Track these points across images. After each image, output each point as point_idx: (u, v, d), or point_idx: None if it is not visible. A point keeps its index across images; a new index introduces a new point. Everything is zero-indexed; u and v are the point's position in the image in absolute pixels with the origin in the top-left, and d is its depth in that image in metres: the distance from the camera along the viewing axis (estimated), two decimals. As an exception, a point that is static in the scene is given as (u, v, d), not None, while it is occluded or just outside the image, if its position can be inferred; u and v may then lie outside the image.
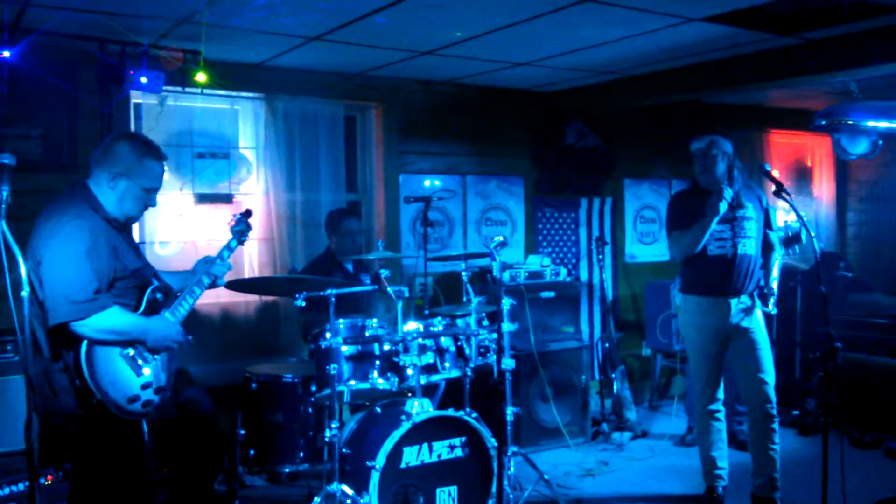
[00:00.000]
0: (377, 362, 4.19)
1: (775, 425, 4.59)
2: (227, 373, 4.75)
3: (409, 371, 4.19)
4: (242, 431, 4.40)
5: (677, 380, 7.32)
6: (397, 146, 6.36)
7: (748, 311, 4.59)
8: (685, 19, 4.57)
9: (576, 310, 6.35)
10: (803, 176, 8.95)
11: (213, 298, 5.28)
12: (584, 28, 4.77)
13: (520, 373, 5.62)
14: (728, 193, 4.46)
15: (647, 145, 7.61)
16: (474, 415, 4.30)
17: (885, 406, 5.86)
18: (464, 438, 4.18)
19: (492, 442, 4.20)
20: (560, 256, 7.19)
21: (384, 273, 4.40)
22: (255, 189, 5.88)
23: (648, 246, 7.75)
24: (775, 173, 4.25)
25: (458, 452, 4.17)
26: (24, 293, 2.62)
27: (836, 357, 3.87)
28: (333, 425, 4.02)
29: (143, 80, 4.83)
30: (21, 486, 3.74)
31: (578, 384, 6.07)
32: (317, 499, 4.03)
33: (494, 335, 4.50)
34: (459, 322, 4.62)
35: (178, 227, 5.52)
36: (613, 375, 6.43)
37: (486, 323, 4.62)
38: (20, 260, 2.62)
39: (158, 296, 3.40)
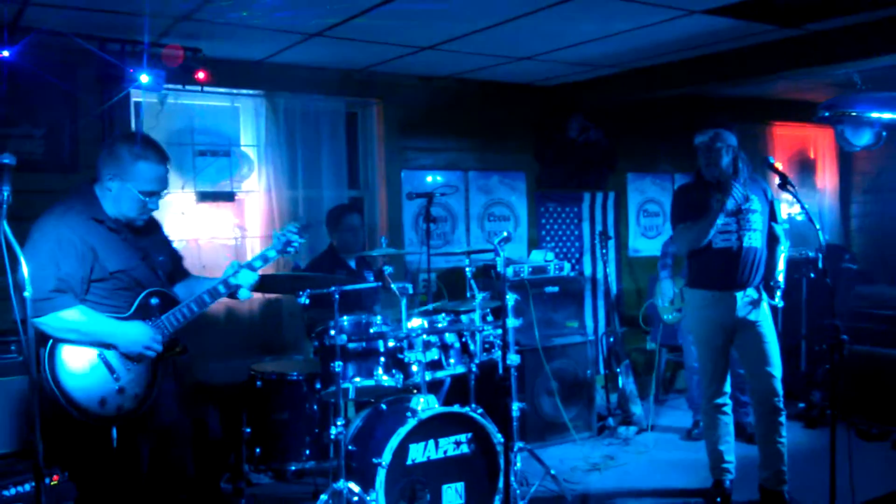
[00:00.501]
0: (382, 359, 4.18)
1: (782, 418, 4.57)
2: (232, 371, 4.75)
3: (414, 368, 4.18)
4: (248, 429, 4.39)
5: (682, 373, 7.29)
6: (399, 142, 6.35)
7: (755, 303, 4.57)
8: (686, 12, 4.55)
9: (580, 304, 6.33)
10: (806, 168, 8.92)
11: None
12: (585, 22, 4.75)
13: (524, 368, 5.60)
14: (738, 192, 4.43)
15: (649, 139, 7.59)
16: (480, 410, 4.29)
17: (891, 398, 5.83)
18: (470, 434, 4.17)
19: (498, 437, 4.19)
20: (563, 251, 7.18)
21: (388, 269, 4.38)
22: (257, 187, 5.86)
23: (652, 240, 7.73)
24: (779, 166, 4.22)
25: (465, 448, 4.15)
26: (27, 293, 2.60)
27: (843, 349, 3.84)
28: (339, 423, 4.01)
29: (144, 78, 4.82)
30: (27, 487, 3.73)
31: (583, 379, 6.05)
32: (323, 496, 4.02)
33: (499, 331, 4.49)
34: (464, 318, 4.60)
35: (179, 225, 5.50)
36: (618, 370, 6.41)
37: (490, 318, 4.62)
38: (21, 260, 2.61)
39: (153, 301, 3.32)
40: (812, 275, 6.41)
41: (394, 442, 3.89)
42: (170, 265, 3.59)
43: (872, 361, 6.04)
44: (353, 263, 5.39)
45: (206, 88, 5.26)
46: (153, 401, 3.30)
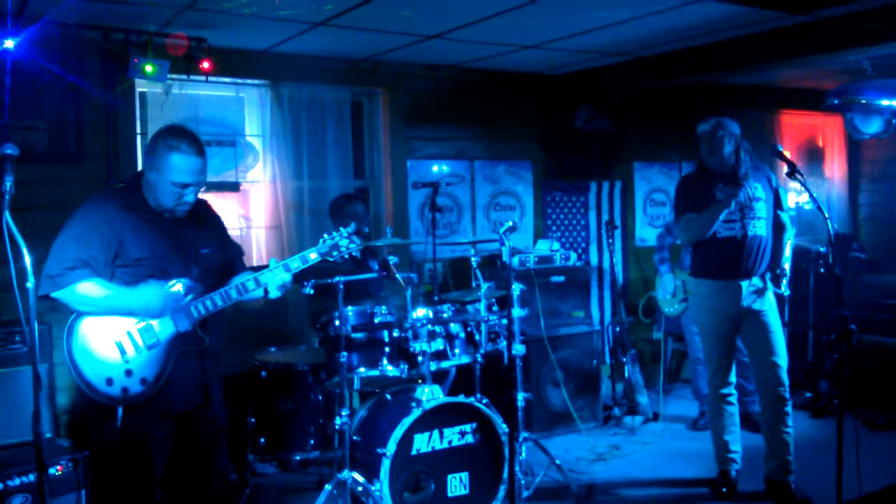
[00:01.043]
0: (387, 349, 4.18)
1: (788, 408, 4.56)
2: (236, 361, 4.73)
3: (419, 358, 4.18)
4: (253, 419, 4.40)
5: (688, 363, 7.27)
6: (405, 132, 6.32)
7: (760, 293, 4.55)
8: (696, -2, 4.51)
9: (586, 294, 6.31)
10: (815, 156, 8.86)
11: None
12: (593, 9, 4.71)
13: (530, 358, 5.60)
14: (743, 194, 4.41)
15: (656, 128, 7.54)
16: (485, 401, 4.29)
17: (899, 388, 5.82)
18: (474, 424, 4.17)
19: (503, 428, 4.19)
20: (570, 241, 7.15)
21: (393, 259, 4.37)
22: (262, 177, 5.85)
23: (658, 229, 7.68)
24: (786, 154, 4.19)
25: (469, 439, 4.16)
26: (30, 284, 2.60)
27: (851, 339, 3.82)
28: (343, 413, 4.01)
29: (148, 68, 4.81)
30: (32, 477, 3.75)
31: (589, 369, 6.04)
32: (328, 486, 4.03)
33: (504, 321, 4.48)
34: (469, 308, 4.59)
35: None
36: (624, 359, 6.39)
37: (496, 308, 4.60)
38: (24, 251, 2.60)
39: (179, 290, 3.34)
40: (821, 264, 6.37)
41: (398, 432, 3.90)
42: (216, 259, 3.56)
43: (880, 351, 6.03)
44: (357, 253, 5.38)
45: (210, 78, 5.23)
46: (162, 388, 3.30)
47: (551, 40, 5.53)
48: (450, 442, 4.10)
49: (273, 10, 4.56)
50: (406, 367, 4.17)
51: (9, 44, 4.45)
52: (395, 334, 4.20)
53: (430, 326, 4.23)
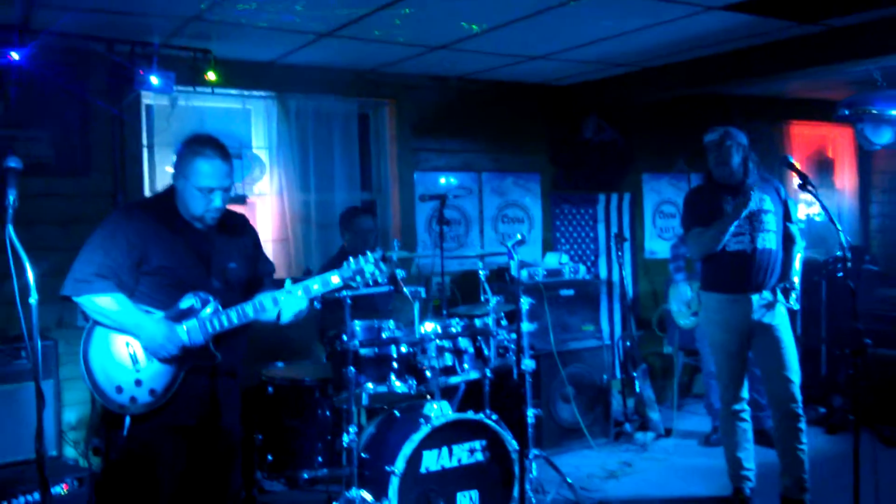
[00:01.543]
0: (395, 365, 4.12)
1: (802, 424, 4.48)
2: (243, 375, 4.67)
3: (428, 373, 4.12)
4: (260, 436, 4.34)
5: (700, 378, 7.20)
6: (412, 143, 6.29)
7: (770, 306, 4.48)
8: (704, 8, 4.47)
9: (595, 308, 6.24)
10: (825, 168, 8.80)
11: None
12: (601, 19, 4.67)
13: (540, 373, 5.53)
14: (755, 199, 4.34)
15: (665, 139, 7.50)
16: (494, 417, 4.23)
17: (914, 402, 5.72)
18: (484, 441, 4.10)
19: (513, 445, 4.12)
20: (578, 254, 7.10)
21: (400, 273, 4.31)
22: (269, 189, 5.82)
23: (668, 241, 7.60)
24: (797, 165, 4.12)
25: (479, 456, 4.08)
26: (32, 300, 2.56)
27: (866, 354, 3.75)
28: (352, 430, 3.96)
29: (154, 80, 4.79)
30: (36, 496, 3.70)
31: (600, 384, 5.97)
32: (336, 504, 3.96)
33: (513, 335, 4.42)
34: (478, 322, 4.53)
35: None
36: (635, 374, 6.32)
37: (504, 323, 4.54)
38: (27, 266, 2.56)
39: (195, 303, 3.29)
40: (838, 275, 6.29)
41: (407, 449, 3.83)
42: (243, 274, 3.51)
43: (894, 365, 5.93)
44: (383, 280, 5.31)
45: (216, 90, 5.22)
46: (170, 400, 3.26)
47: (558, 51, 5.50)
48: (459, 459, 4.03)
49: (279, 21, 4.52)
50: (414, 382, 4.11)
51: (14, 56, 4.44)
52: (404, 349, 4.14)
53: (438, 341, 4.17)
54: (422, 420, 3.98)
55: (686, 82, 6.08)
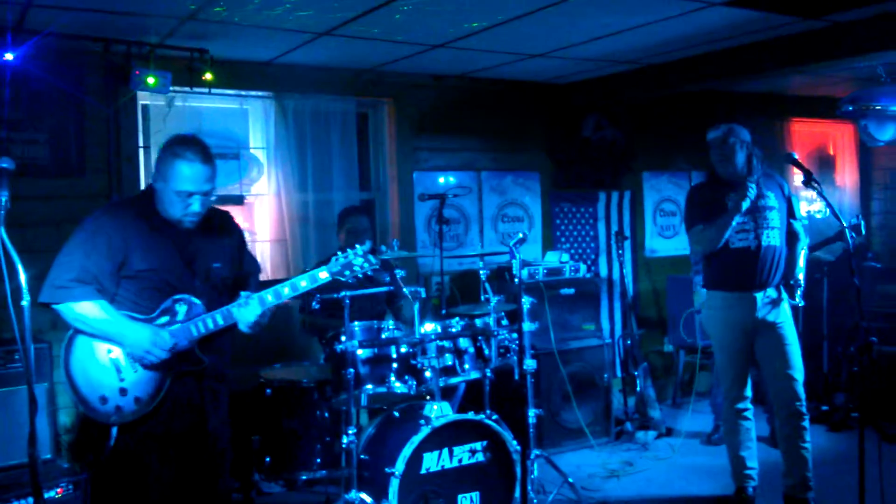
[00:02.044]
0: (394, 365, 4.09)
1: (805, 423, 4.45)
2: (240, 378, 4.64)
3: (428, 374, 4.09)
4: (257, 438, 4.31)
5: (701, 376, 7.16)
6: (411, 143, 6.24)
7: (775, 303, 4.45)
8: (707, 3, 4.42)
9: (596, 306, 6.20)
10: (825, 164, 8.77)
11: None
12: (603, 15, 4.63)
13: (540, 372, 5.48)
14: (752, 192, 4.30)
15: (665, 137, 7.46)
16: (495, 417, 4.20)
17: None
18: (485, 442, 4.07)
19: (514, 445, 4.08)
20: (579, 252, 7.06)
21: (400, 273, 4.28)
22: (267, 189, 5.78)
23: (669, 240, 7.60)
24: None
25: (480, 457, 4.05)
26: (25, 302, 2.53)
27: (872, 351, 3.71)
28: (351, 431, 3.93)
29: (150, 80, 4.75)
30: (30, 500, 3.65)
31: (600, 383, 5.93)
32: (335, 506, 3.93)
33: (514, 335, 4.39)
34: (478, 322, 4.50)
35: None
36: (636, 373, 6.28)
37: (505, 322, 4.51)
38: (20, 268, 2.52)
39: (178, 307, 3.24)
40: (840, 272, 6.24)
41: (407, 451, 3.80)
42: (228, 274, 3.44)
43: (898, 363, 5.90)
44: (371, 272, 5.27)
45: (213, 90, 5.17)
46: (157, 408, 3.20)
47: (558, 48, 5.45)
48: (460, 460, 3.99)
49: (276, 20, 4.48)
50: (414, 383, 4.08)
51: (8, 56, 4.40)
52: (403, 350, 4.10)
53: (438, 341, 4.13)
54: (422, 421, 3.95)
55: (687, 79, 6.03)
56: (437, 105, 6.35)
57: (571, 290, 6.00)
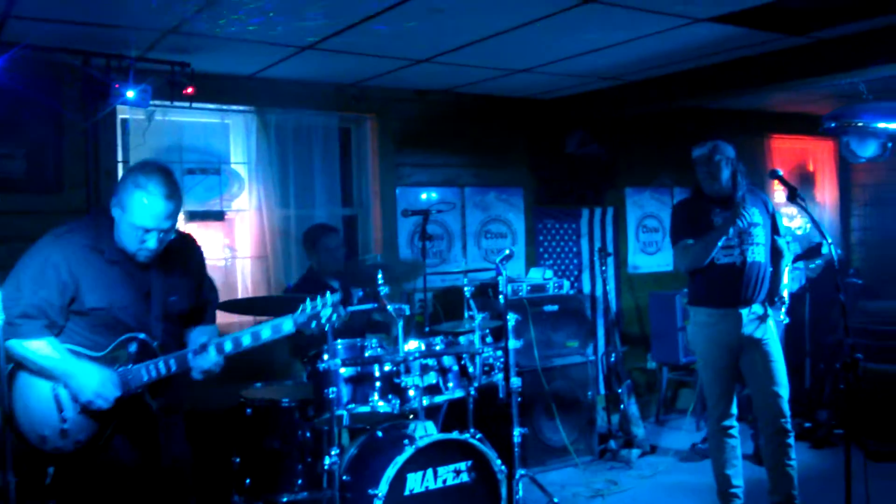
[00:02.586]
0: (377, 384, 4.02)
1: (791, 440, 4.45)
2: (220, 397, 4.56)
3: (411, 392, 4.01)
4: (237, 459, 4.23)
5: (684, 393, 7.14)
6: (393, 158, 6.20)
7: (761, 319, 4.44)
8: (692, 20, 4.42)
9: (580, 323, 6.16)
10: (805, 181, 8.81)
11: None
12: (587, 31, 4.62)
13: (524, 390, 5.41)
14: (745, 220, 4.29)
15: (647, 153, 7.47)
16: (479, 436, 4.14)
17: (900, 417, 5.69)
18: (469, 462, 4.00)
19: (499, 465, 4.02)
20: (562, 269, 7.03)
21: (383, 290, 4.22)
22: (248, 205, 5.71)
23: (651, 256, 7.59)
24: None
25: (465, 477, 3.98)
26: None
27: (857, 368, 3.69)
28: (333, 451, 3.84)
29: (130, 94, 4.67)
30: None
31: (584, 400, 5.90)
32: (317, 529, 3.85)
33: (499, 352, 4.34)
34: (462, 340, 4.45)
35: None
36: (620, 390, 6.24)
37: (489, 340, 4.46)
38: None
39: (131, 348, 3.10)
40: (821, 289, 6.26)
41: (391, 471, 3.72)
42: (185, 306, 3.31)
43: (880, 379, 5.90)
44: (335, 283, 5.20)
45: (194, 104, 5.09)
46: (102, 446, 3.08)
47: (543, 64, 5.44)
48: (444, 481, 3.92)
49: (259, 34, 4.43)
50: (398, 402, 4.00)
51: (-16, 69, 4.32)
52: (386, 368, 4.03)
53: (422, 360, 4.07)
54: (406, 441, 3.88)
55: (671, 95, 6.04)
56: (421, 120, 6.31)
57: (555, 307, 5.96)
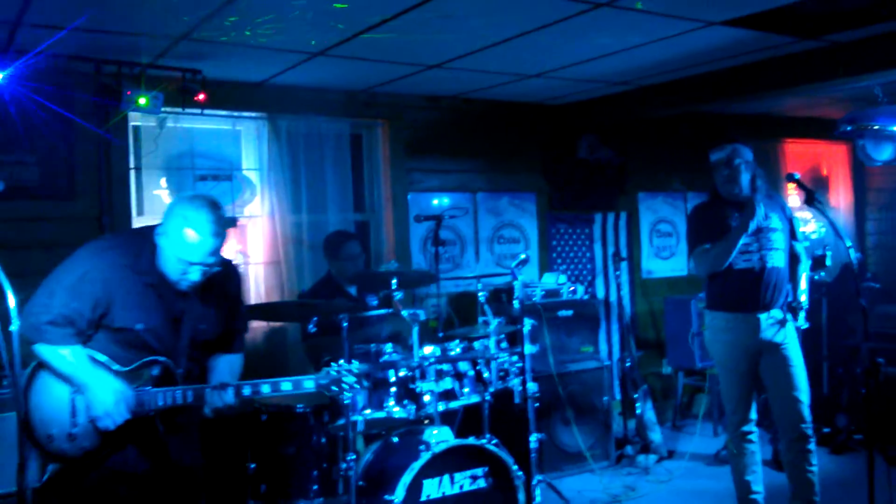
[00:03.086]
0: (393, 389, 4.00)
1: (812, 446, 4.38)
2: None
3: (427, 398, 4.00)
4: (252, 465, 4.20)
5: (700, 398, 7.08)
6: (405, 164, 6.18)
7: (781, 324, 4.38)
8: (705, 23, 4.39)
9: (594, 328, 6.12)
10: (819, 185, 8.76)
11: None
12: (598, 36, 4.59)
13: (539, 396, 5.39)
14: (761, 211, 4.25)
15: (660, 157, 7.44)
16: (495, 442, 4.10)
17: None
18: (486, 468, 3.98)
19: (516, 471, 3.99)
20: (575, 274, 6.99)
21: (397, 295, 4.19)
22: (260, 211, 5.70)
23: (665, 261, 7.54)
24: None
25: (481, 483, 3.96)
26: (13, 327, 2.44)
27: (879, 374, 3.65)
28: (349, 457, 3.82)
29: (142, 100, 4.68)
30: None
31: (600, 406, 5.85)
32: (333, 536, 3.82)
33: (514, 357, 4.32)
34: (477, 345, 4.42)
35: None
36: (636, 396, 6.19)
37: (504, 345, 4.43)
38: (8, 293, 2.44)
39: (153, 371, 3.10)
40: (839, 293, 6.20)
41: (407, 477, 3.71)
42: (211, 336, 3.30)
43: (899, 384, 5.83)
44: (353, 290, 5.21)
45: (206, 111, 5.11)
46: (111, 453, 3.08)
47: (555, 69, 5.42)
48: (461, 487, 3.90)
49: (270, 40, 4.43)
50: (413, 407, 3.98)
51: (-3, 77, 4.33)
52: (402, 374, 4.01)
53: (437, 365, 4.05)
54: (422, 447, 3.86)
55: (682, 100, 6.00)
56: (432, 126, 6.30)
57: (569, 312, 5.93)
